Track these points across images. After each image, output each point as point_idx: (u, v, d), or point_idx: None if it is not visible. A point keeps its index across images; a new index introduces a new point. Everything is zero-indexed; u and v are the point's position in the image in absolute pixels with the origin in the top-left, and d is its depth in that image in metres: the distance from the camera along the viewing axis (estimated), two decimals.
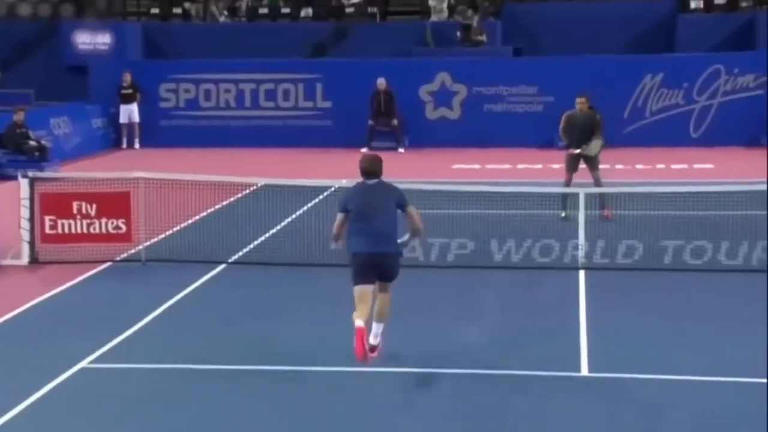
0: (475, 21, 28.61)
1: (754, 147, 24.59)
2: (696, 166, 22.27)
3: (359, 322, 9.23)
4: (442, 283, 12.80)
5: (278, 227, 15.46)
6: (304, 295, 12.35)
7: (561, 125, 16.92)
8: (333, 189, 16.31)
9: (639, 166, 22.49)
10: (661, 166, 22.56)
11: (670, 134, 25.55)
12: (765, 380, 9.00)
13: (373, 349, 9.49)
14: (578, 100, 16.94)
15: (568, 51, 27.17)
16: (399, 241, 9.52)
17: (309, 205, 16.72)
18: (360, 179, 9.68)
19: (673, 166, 22.27)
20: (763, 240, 13.29)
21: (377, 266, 9.35)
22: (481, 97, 26.50)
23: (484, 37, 28.39)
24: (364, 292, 9.35)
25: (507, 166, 22.62)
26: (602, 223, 14.92)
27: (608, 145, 24.20)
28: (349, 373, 9.45)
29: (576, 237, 13.53)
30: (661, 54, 26.93)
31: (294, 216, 16.02)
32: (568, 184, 16.44)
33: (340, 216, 9.55)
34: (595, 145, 16.66)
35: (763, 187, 14.20)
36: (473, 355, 9.87)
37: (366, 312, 9.34)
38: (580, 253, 13.39)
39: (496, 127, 26.05)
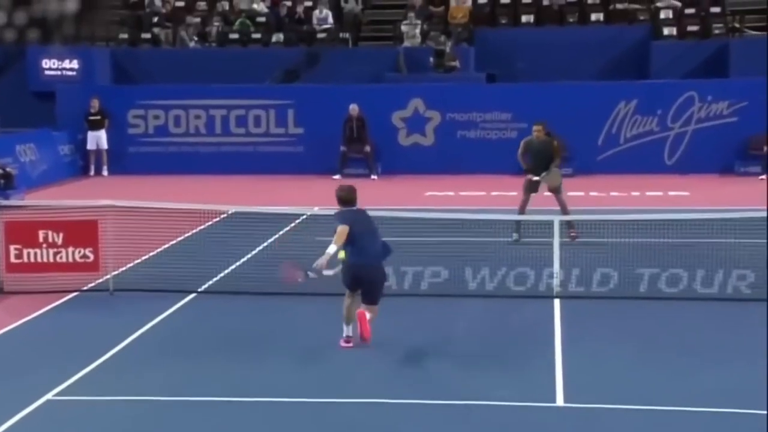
0: (448, 47, 28.78)
1: (728, 174, 24.90)
2: (671, 193, 22.34)
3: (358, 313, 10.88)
4: (416, 311, 12.80)
5: (249, 255, 15.42)
6: (277, 324, 12.30)
7: (519, 151, 17.37)
8: (305, 216, 16.30)
9: (614, 194, 22.61)
10: (636, 193, 22.69)
11: (644, 161, 25.71)
12: (744, 410, 9.04)
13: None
14: (535, 127, 17.38)
15: (541, 77, 27.32)
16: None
17: (281, 232, 16.69)
18: (337, 207, 10.84)
19: (648, 194, 22.40)
20: (738, 269, 13.38)
21: (372, 276, 10.94)
22: (455, 123, 26.61)
23: (456, 63, 28.55)
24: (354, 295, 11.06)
25: (481, 193, 22.70)
26: (577, 251, 14.95)
27: (583, 172, 24.62)
28: (326, 404, 9.42)
29: (551, 265, 13.57)
30: (635, 80, 27.17)
31: (265, 244, 15.99)
32: (523, 207, 16.72)
33: (345, 227, 10.73)
34: (555, 175, 16.91)
35: (739, 214, 14.37)
36: (448, 386, 9.86)
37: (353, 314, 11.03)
38: (555, 282, 13.44)
39: (469, 154, 26.15)
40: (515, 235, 16.08)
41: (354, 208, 10.98)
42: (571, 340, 11.40)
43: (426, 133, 26.78)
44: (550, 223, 14.14)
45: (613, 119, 25.85)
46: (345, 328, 11.11)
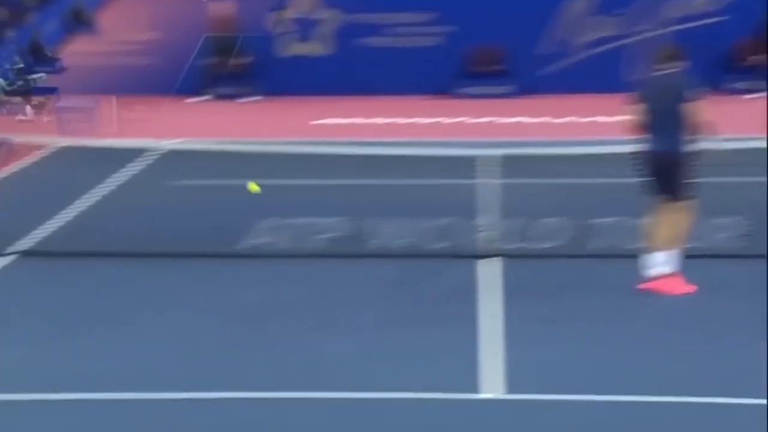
0: None
1: None
2: None
3: None
4: (298, 279, 12.54)
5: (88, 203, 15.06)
6: (122, 296, 11.92)
7: None
8: (162, 152, 16.07)
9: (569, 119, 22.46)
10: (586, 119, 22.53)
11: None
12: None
13: None
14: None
15: None
16: None
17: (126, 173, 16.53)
18: None
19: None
20: None
21: None
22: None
23: None
24: None
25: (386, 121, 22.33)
26: (523, 195, 14.71)
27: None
28: (209, 400, 9.17)
29: (487, 213, 13.24)
30: None
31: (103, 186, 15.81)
32: None
33: None
34: None
35: None
36: (339, 376, 9.69)
37: None
38: (489, 236, 13.13)
39: (374, 69, 25.54)
40: None
41: None
42: (509, 313, 11.16)
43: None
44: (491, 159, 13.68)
45: None
46: None
